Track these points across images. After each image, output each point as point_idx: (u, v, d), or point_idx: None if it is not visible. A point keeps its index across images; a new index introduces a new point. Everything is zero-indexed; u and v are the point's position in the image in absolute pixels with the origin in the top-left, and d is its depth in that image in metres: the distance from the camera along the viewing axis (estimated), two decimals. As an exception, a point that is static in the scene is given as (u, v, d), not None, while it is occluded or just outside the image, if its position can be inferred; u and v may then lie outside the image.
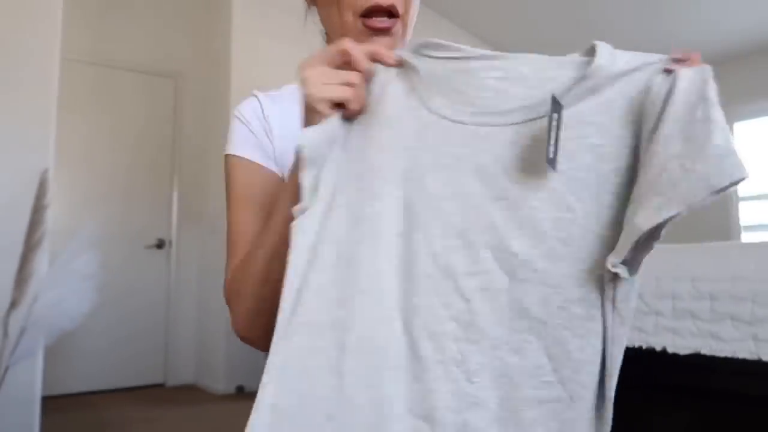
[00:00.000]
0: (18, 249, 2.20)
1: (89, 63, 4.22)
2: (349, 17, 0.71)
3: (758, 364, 1.60)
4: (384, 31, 0.71)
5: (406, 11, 0.72)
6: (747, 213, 5.15)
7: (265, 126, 0.78)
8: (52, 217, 2.40)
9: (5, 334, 2.11)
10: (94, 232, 2.26)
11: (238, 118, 0.79)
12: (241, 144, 0.77)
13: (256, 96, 0.81)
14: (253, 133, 0.78)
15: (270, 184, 0.75)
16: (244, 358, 4.17)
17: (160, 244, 4.42)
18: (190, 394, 4.16)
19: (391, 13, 0.71)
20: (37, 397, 2.45)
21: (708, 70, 0.43)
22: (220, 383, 4.11)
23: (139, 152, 4.39)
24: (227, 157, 0.78)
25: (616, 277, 0.44)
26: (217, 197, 4.34)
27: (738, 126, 5.23)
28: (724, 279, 1.78)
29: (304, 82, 0.54)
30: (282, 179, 0.75)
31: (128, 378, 4.22)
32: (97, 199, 4.18)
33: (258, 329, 0.64)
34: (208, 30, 4.71)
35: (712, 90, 0.42)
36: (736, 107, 5.22)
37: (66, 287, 2.15)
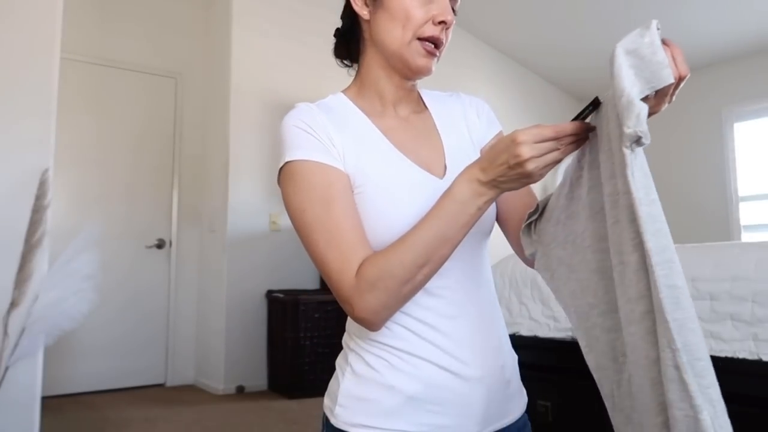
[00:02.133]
0: (18, 249, 2.20)
1: (89, 63, 4.22)
2: (409, 36, 0.86)
3: (758, 364, 1.60)
4: (432, 55, 0.88)
5: (447, 42, 0.89)
6: (747, 213, 5.15)
7: (327, 131, 0.83)
8: (52, 217, 2.40)
9: (5, 334, 2.12)
10: (94, 232, 2.26)
11: (298, 127, 0.82)
12: (309, 149, 0.81)
13: (308, 105, 0.87)
14: (317, 138, 0.82)
15: (343, 181, 0.81)
16: (244, 358, 4.17)
17: (160, 244, 4.42)
18: (190, 394, 4.16)
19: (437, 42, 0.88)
20: (37, 397, 2.45)
21: (654, 22, 0.64)
22: (220, 383, 4.11)
23: (139, 152, 4.39)
24: (294, 163, 0.80)
25: (635, 145, 0.62)
26: (217, 197, 4.34)
27: (738, 126, 5.23)
28: (724, 279, 1.78)
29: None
30: (349, 179, 0.82)
31: (128, 378, 4.21)
32: (97, 199, 4.18)
33: (385, 318, 0.77)
34: (208, 30, 4.71)
35: (654, 24, 0.63)
36: (736, 107, 5.22)
37: (66, 287, 2.15)
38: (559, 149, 0.69)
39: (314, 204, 0.78)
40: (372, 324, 0.77)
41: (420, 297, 0.80)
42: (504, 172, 0.70)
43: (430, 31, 0.86)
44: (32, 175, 2.38)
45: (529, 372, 2.17)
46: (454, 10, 0.89)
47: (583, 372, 2.16)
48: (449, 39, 0.89)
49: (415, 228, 0.74)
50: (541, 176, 0.70)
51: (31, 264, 2.18)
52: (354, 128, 0.87)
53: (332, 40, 0.98)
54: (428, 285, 0.79)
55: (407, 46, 0.86)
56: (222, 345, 4.14)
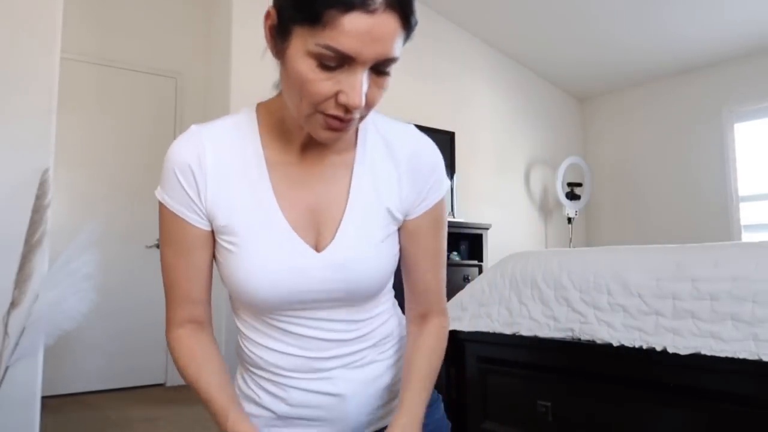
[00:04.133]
0: (18, 249, 2.19)
1: (90, 63, 4.22)
2: (307, 110, 0.70)
3: (758, 364, 1.60)
4: (339, 130, 0.71)
5: (372, 107, 0.72)
6: (747, 213, 5.15)
7: (200, 182, 0.77)
8: (52, 217, 2.40)
9: (5, 334, 2.11)
10: (94, 232, 2.26)
11: (173, 170, 0.77)
12: (174, 198, 0.78)
13: (197, 140, 0.78)
14: (185, 190, 0.77)
15: (195, 238, 0.79)
16: (244, 358, 4.17)
17: (160, 245, 4.42)
18: (190, 394, 4.15)
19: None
20: (37, 397, 2.45)
21: None
22: (220, 383, 4.10)
23: (139, 152, 4.39)
24: (162, 202, 0.79)
25: None
26: (217, 197, 4.34)
27: (738, 126, 5.23)
28: (724, 279, 1.77)
29: None
30: (208, 234, 0.80)
31: (128, 378, 4.22)
32: (97, 199, 4.18)
33: None
34: (208, 30, 4.71)
35: None
36: (736, 107, 5.22)
37: (66, 287, 2.14)
38: None
39: (168, 247, 0.81)
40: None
41: (293, 339, 0.81)
42: None
43: (333, 110, 0.68)
44: (32, 175, 2.37)
45: (529, 372, 2.16)
46: (384, 66, 0.68)
47: (583, 372, 2.15)
48: (377, 101, 0.71)
49: (201, 383, 0.79)
50: None
51: (31, 264, 2.18)
52: (239, 171, 0.78)
53: None
54: (301, 331, 0.80)
55: (306, 118, 0.71)
56: (222, 345, 4.14)
